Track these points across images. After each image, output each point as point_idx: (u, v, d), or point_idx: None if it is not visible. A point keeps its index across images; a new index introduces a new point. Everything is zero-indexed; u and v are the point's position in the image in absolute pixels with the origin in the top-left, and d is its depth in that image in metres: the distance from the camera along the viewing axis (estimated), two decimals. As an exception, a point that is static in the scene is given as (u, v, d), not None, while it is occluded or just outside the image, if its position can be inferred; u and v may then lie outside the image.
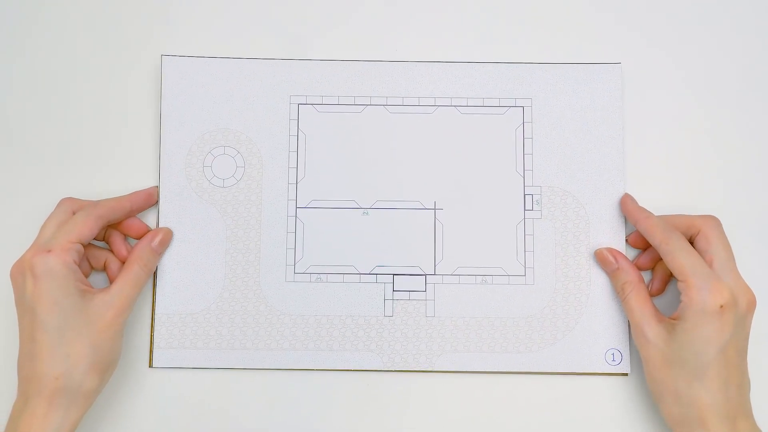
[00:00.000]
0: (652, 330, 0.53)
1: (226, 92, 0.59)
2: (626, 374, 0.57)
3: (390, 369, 0.57)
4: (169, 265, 0.58)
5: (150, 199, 0.58)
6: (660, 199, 0.58)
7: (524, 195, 0.58)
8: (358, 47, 0.60)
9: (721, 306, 0.50)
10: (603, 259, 0.57)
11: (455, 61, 0.59)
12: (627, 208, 0.57)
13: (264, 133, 0.59)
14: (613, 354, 0.57)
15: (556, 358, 0.57)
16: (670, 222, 0.55)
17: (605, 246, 0.57)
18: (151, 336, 0.57)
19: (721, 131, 0.59)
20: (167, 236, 0.57)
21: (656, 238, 0.54)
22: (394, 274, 0.58)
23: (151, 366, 0.57)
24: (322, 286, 0.58)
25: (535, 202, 0.58)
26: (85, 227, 0.53)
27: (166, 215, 0.58)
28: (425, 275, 0.58)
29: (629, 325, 0.57)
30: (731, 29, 0.60)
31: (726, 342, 0.50)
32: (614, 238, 0.58)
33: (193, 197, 0.58)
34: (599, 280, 0.58)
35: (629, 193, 0.58)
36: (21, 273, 0.51)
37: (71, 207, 0.55)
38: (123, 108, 0.59)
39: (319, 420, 0.57)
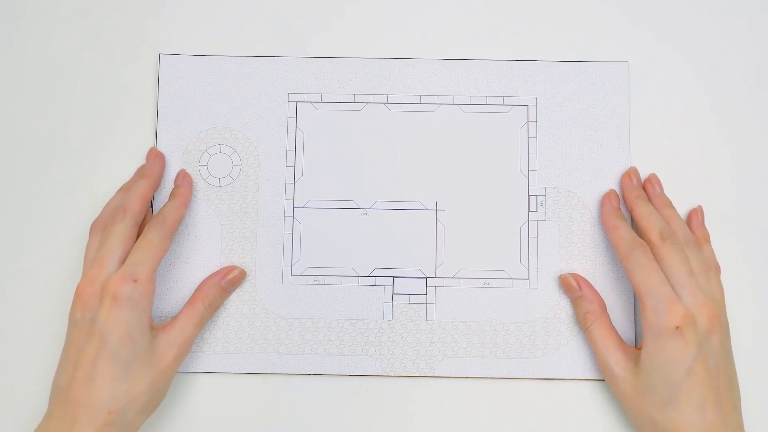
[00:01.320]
0: (617, 362, 0.53)
1: (223, 90, 0.59)
2: None
3: (389, 374, 0.56)
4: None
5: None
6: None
7: (528, 196, 0.58)
8: (358, 44, 0.59)
9: (677, 327, 0.49)
10: (567, 285, 0.56)
11: (458, 58, 0.59)
12: (602, 210, 0.56)
13: (261, 131, 0.58)
14: None
15: (560, 364, 0.56)
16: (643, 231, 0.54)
17: (570, 273, 0.56)
18: None
19: (730, 131, 0.59)
20: (240, 276, 0.56)
21: (620, 252, 0.53)
22: (394, 277, 0.57)
23: None
24: (320, 288, 0.57)
25: (539, 204, 0.58)
26: (163, 251, 0.53)
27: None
28: (426, 278, 0.57)
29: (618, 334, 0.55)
30: (739, 27, 0.60)
31: (691, 363, 0.49)
32: None
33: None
34: (605, 282, 0.57)
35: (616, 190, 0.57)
36: (97, 294, 0.50)
37: (133, 219, 0.53)
38: (119, 106, 0.59)
39: (317, 426, 0.56)
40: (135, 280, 0.50)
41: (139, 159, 0.58)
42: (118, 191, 0.56)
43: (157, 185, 0.57)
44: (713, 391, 0.49)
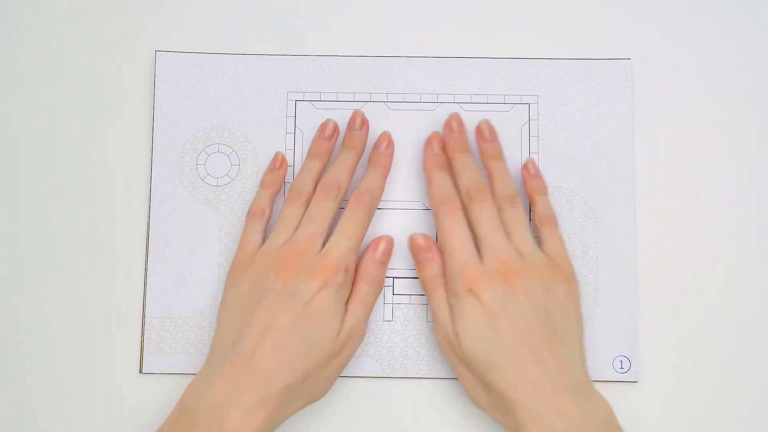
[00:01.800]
0: (452, 327, 0.51)
1: (221, 89, 0.59)
2: (635, 382, 0.56)
3: (390, 375, 0.56)
4: (160, 266, 0.57)
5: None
6: (671, 199, 0.58)
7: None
8: (358, 41, 0.59)
9: (470, 290, 0.50)
10: (416, 246, 0.55)
11: (458, 56, 0.59)
12: (423, 157, 0.56)
13: (260, 130, 0.58)
14: (621, 361, 0.56)
15: None
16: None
17: (420, 234, 0.55)
18: (141, 341, 0.56)
19: (734, 129, 0.59)
20: (390, 244, 0.55)
21: (431, 209, 0.54)
22: (394, 278, 0.57)
23: (141, 372, 0.56)
24: None
25: None
26: (366, 229, 0.54)
27: (157, 214, 0.57)
28: None
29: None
30: (743, 24, 0.60)
31: (495, 323, 0.49)
32: (623, 240, 0.57)
33: (185, 196, 0.57)
34: (607, 285, 0.57)
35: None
36: (306, 271, 0.50)
37: (343, 196, 0.54)
38: (115, 104, 0.59)
39: (317, 427, 0.56)
40: (346, 269, 0.51)
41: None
42: (311, 158, 0.56)
43: (361, 155, 0.56)
44: (529, 348, 0.49)
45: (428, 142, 0.56)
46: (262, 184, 0.56)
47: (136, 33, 0.59)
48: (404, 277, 0.57)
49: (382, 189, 0.55)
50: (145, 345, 0.56)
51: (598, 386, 0.54)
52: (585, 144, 0.58)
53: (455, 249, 0.51)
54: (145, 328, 0.56)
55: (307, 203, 0.54)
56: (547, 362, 0.49)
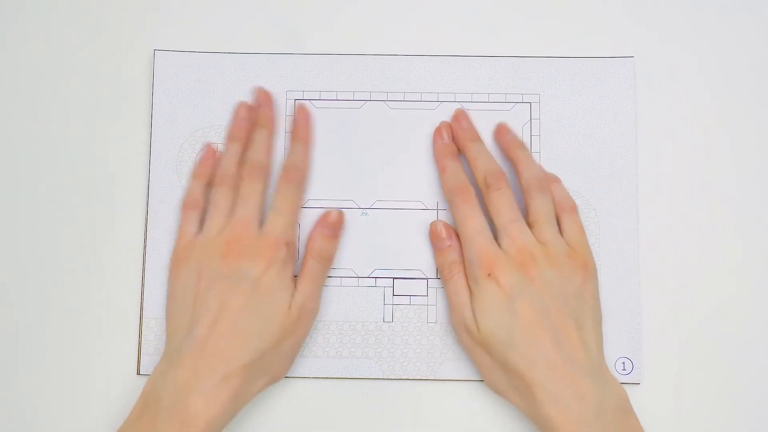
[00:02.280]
0: (469, 313, 0.52)
1: (220, 88, 0.58)
2: (638, 384, 0.56)
3: (390, 377, 0.56)
4: (158, 267, 0.57)
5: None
6: (674, 199, 0.57)
7: None
8: (357, 40, 0.59)
9: (489, 274, 0.51)
10: (436, 234, 0.55)
11: (459, 54, 0.59)
12: (433, 148, 0.57)
13: None
14: (623, 363, 0.56)
15: None
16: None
17: (441, 221, 0.56)
18: (139, 342, 0.56)
19: (736, 127, 0.58)
20: (340, 216, 0.56)
21: (446, 198, 0.55)
22: (394, 278, 0.57)
23: (138, 373, 0.56)
24: None
25: None
26: (300, 204, 0.56)
27: (155, 214, 0.57)
28: (427, 279, 0.57)
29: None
30: (745, 22, 0.60)
31: (513, 305, 0.50)
32: (626, 240, 0.57)
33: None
34: (609, 285, 0.56)
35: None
36: (248, 254, 0.52)
37: (269, 175, 0.55)
38: (114, 103, 0.59)
39: (317, 430, 0.56)
40: (287, 244, 0.52)
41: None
42: (231, 141, 0.56)
43: (274, 132, 0.57)
44: (547, 331, 0.50)
45: (437, 132, 0.57)
46: (194, 175, 0.57)
47: (134, 32, 0.59)
48: (404, 278, 0.57)
49: (307, 162, 0.56)
50: (142, 346, 0.56)
51: None
52: (587, 143, 0.58)
53: (473, 236, 0.52)
54: (143, 329, 0.56)
55: (235, 186, 0.55)
56: (563, 345, 0.50)
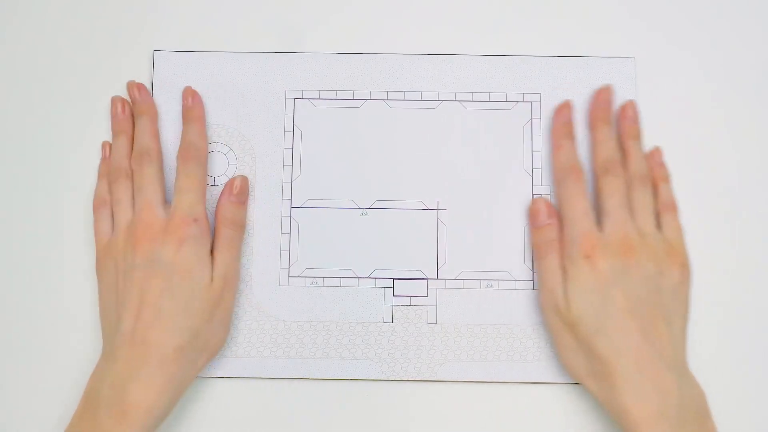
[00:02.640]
0: (561, 294, 0.52)
1: (219, 87, 0.58)
2: None
3: (390, 378, 0.56)
4: None
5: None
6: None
7: (532, 195, 0.57)
8: (357, 39, 0.59)
9: (588, 256, 0.51)
10: (537, 210, 0.55)
11: (460, 53, 0.59)
12: (552, 124, 0.57)
13: (258, 129, 0.58)
14: None
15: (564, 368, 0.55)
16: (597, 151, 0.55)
17: (543, 199, 0.56)
18: None
19: (739, 127, 0.58)
20: (244, 183, 0.56)
21: (554, 176, 0.56)
22: (394, 279, 0.57)
23: None
24: (318, 290, 0.57)
25: None
26: (205, 181, 0.55)
27: None
28: (427, 279, 0.57)
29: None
30: (747, 22, 0.59)
31: (608, 290, 0.50)
32: None
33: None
34: None
35: None
36: (158, 238, 0.52)
37: (159, 158, 0.55)
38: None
39: (316, 430, 0.55)
40: (195, 220, 0.53)
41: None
42: (116, 136, 0.57)
43: (156, 116, 0.57)
44: (636, 320, 0.50)
45: (559, 110, 0.57)
46: (99, 175, 0.57)
47: (134, 32, 0.59)
48: (404, 279, 0.56)
49: (204, 139, 0.56)
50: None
51: None
52: (588, 142, 0.57)
53: (577, 216, 0.53)
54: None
55: (130, 178, 0.55)
56: (652, 337, 0.50)
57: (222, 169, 0.57)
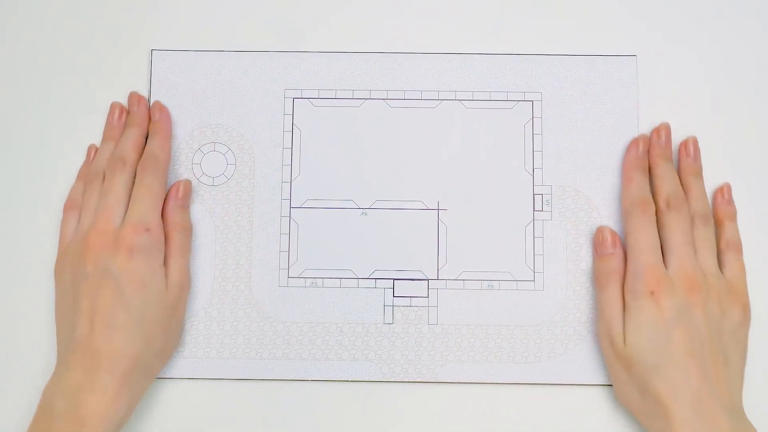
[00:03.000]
0: (618, 327, 0.52)
1: (217, 87, 0.58)
2: None
3: (390, 380, 0.56)
4: None
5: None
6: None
7: (533, 195, 0.57)
8: (357, 38, 0.59)
9: (652, 292, 0.51)
10: (602, 239, 0.55)
11: (460, 52, 0.58)
12: (625, 157, 0.57)
13: (257, 128, 0.58)
14: None
15: (566, 369, 0.55)
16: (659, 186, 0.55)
17: (608, 228, 0.55)
18: None
19: (741, 127, 0.58)
20: (187, 186, 0.56)
21: (622, 208, 0.55)
22: (394, 279, 0.56)
23: None
24: (317, 291, 0.56)
25: (545, 203, 0.57)
26: (163, 192, 0.55)
27: None
28: (427, 280, 0.57)
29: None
30: (749, 20, 0.59)
31: (669, 329, 0.50)
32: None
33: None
34: None
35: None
36: (110, 246, 0.51)
37: (132, 169, 0.55)
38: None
39: None
40: (147, 230, 0.52)
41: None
42: (105, 141, 0.57)
43: (146, 130, 0.57)
44: (697, 361, 0.50)
45: (634, 143, 0.56)
46: (78, 176, 0.57)
47: (132, 31, 0.59)
48: (404, 279, 0.56)
49: (165, 152, 0.56)
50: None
51: (603, 389, 0.55)
52: (589, 142, 0.57)
53: (644, 250, 0.52)
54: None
55: None
56: (711, 379, 0.50)
57: (221, 169, 0.57)
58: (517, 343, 0.55)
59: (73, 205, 0.56)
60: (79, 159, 0.58)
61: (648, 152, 0.56)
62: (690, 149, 0.56)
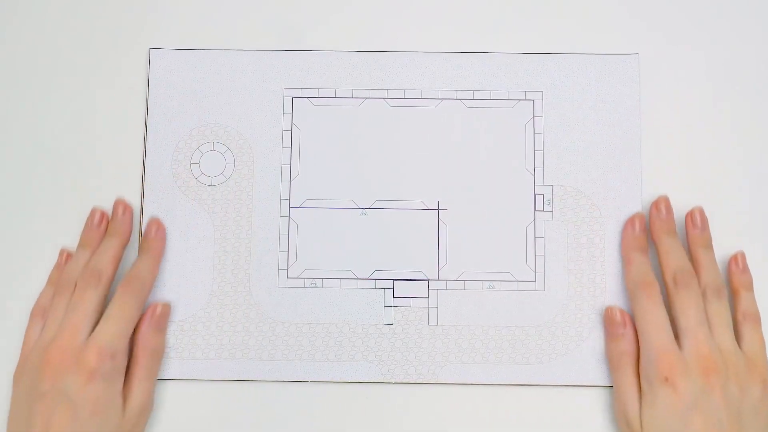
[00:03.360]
0: (634, 410, 0.51)
1: (216, 86, 0.58)
2: None
3: (390, 381, 0.55)
4: None
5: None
6: (679, 198, 0.57)
7: (534, 194, 0.57)
8: (357, 36, 0.59)
9: (666, 378, 0.49)
10: (611, 319, 0.54)
11: (461, 51, 0.58)
12: (622, 237, 0.55)
13: (256, 128, 0.58)
14: None
15: (567, 370, 0.55)
16: (665, 261, 0.53)
17: (618, 308, 0.54)
18: None
19: (744, 125, 0.58)
20: (166, 310, 0.54)
21: (627, 289, 0.54)
22: (394, 280, 0.56)
23: None
24: (317, 291, 0.56)
25: (546, 203, 0.57)
26: (138, 316, 0.52)
27: (150, 215, 0.57)
28: (428, 280, 0.56)
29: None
30: (753, 18, 0.59)
31: (686, 414, 0.49)
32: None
33: (179, 196, 0.57)
34: (614, 286, 0.56)
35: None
36: (71, 366, 0.49)
37: (107, 284, 0.53)
38: (108, 103, 0.59)
39: None
40: (112, 356, 0.50)
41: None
42: (81, 247, 0.55)
43: (127, 242, 0.55)
44: None
45: (630, 222, 0.55)
46: (48, 281, 0.55)
47: (130, 30, 0.59)
48: (405, 280, 0.56)
49: (153, 275, 0.54)
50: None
51: (605, 391, 0.55)
52: (591, 141, 0.57)
53: (654, 334, 0.51)
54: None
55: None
56: None
57: (219, 169, 0.57)
58: (518, 344, 0.55)
59: (39, 312, 0.54)
60: (77, 158, 0.57)
61: (650, 227, 0.55)
62: (697, 220, 0.55)
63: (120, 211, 0.55)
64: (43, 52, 0.59)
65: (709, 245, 0.55)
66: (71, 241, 0.56)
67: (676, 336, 0.51)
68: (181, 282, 0.56)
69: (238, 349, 0.55)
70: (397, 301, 0.56)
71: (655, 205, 0.55)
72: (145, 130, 0.57)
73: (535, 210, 0.57)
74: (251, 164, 0.57)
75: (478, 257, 0.56)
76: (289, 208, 0.57)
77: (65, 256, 0.56)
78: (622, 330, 0.53)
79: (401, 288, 0.56)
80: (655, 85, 0.58)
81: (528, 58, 0.58)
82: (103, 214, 0.56)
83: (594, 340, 0.55)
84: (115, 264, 0.54)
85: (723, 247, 0.56)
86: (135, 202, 0.57)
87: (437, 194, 0.57)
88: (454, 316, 0.56)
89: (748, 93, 0.58)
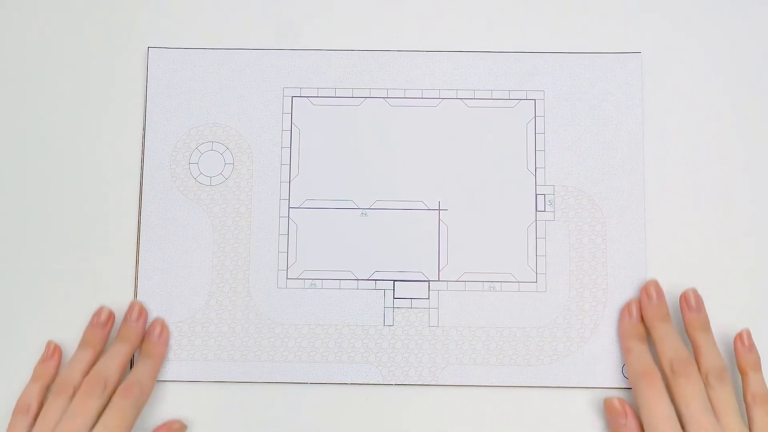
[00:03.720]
0: None
1: (215, 85, 0.58)
2: None
3: (390, 382, 0.55)
4: (152, 269, 0.56)
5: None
6: (682, 197, 0.57)
7: (536, 195, 0.57)
8: (357, 35, 0.59)
9: None
10: (611, 409, 0.53)
11: (461, 50, 0.58)
12: (619, 326, 0.55)
13: (255, 127, 0.58)
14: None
15: (569, 372, 0.55)
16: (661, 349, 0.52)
17: (617, 398, 0.53)
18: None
19: (747, 123, 0.58)
20: (182, 429, 0.54)
21: (629, 380, 0.53)
22: (394, 280, 0.56)
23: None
24: (316, 292, 0.56)
25: (547, 203, 0.57)
26: (134, 422, 0.50)
27: (148, 216, 0.57)
28: (428, 281, 0.56)
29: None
30: (756, 16, 0.59)
31: None
32: (633, 240, 0.56)
33: (177, 196, 0.57)
34: (616, 287, 0.56)
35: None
36: None
37: (110, 391, 0.51)
38: (107, 102, 0.58)
39: None
40: None
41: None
42: (83, 347, 0.53)
43: (137, 348, 0.54)
44: None
45: (626, 309, 0.54)
46: (32, 377, 0.53)
47: (128, 29, 0.59)
48: (405, 280, 0.56)
49: (153, 380, 0.53)
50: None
51: (606, 393, 0.55)
52: (593, 141, 0.57)
53: (657, 424, 0.49)
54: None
55: (74, 397, 0.51)
56: None
57: (218, 169, 0.57)
58: (519, 346, 0.55)
59: (24, 410, 0.51)
60: (75, 158, 0.57)
61: (642, 314, 0.54)
62: (692, 302, 0.53)
63: (134, 315, 0.54)
64: (41, 51, 0.59)
65: (707, 328, 0.53)
66: (70, 239, 0.56)
67: (682, 426, 0.50)
68: (180, 283, 0.56)
69: (237, 351, 0.55)
70: (397, 302, 0.56)
71: (645, 290, 0.54)
72: (144, 130, 0.57)
73: (536, 210, 0.56)
74: (250, 164, 0.57)
75: (479, 258, 0.56)
76: (289, 208, 0.57)
77: (52, 350, 0.54)
78: (623, 420, 0.52)
79: (401, 289, 0.56)
80: (657, 84, 0.58)
81: (529, 57, 0.58)
82: (110, 315, 0.54)
83: (595, 342, 0.55)
84: (123, 372, 0.52)
85: (724, 246, 0.56)
86: (133, 202, 0.57)
87: (438, 194, 0.57)
88: (454, 317, 0.56)
89: (751, 91, 0.58)
